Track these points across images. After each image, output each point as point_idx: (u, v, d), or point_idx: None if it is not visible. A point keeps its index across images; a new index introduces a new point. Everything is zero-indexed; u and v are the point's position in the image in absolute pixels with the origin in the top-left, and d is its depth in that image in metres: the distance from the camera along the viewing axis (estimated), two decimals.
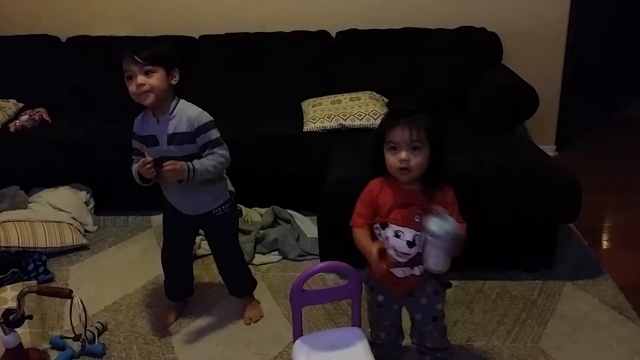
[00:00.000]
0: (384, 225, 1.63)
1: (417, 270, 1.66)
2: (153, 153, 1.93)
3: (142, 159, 1.88)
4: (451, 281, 1.81)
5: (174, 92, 1.97)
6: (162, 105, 1.93)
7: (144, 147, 1.94)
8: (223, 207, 2.09)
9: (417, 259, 1.63)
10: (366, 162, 1.70)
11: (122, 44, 3.47)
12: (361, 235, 1.65)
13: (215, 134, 1.95)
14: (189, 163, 1.90)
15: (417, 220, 1.59)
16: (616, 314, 2.21)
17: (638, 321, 2.16)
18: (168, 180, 1.93)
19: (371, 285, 1.78)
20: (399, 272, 1.67)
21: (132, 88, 1.87)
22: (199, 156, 1.96)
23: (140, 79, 1.85)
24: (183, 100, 1.98)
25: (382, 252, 1.57)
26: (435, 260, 1.56)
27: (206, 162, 1.93)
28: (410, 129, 1.54)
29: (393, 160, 1.57)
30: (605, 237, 2.91)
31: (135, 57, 1.84)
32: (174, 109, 1.94)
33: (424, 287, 1.72)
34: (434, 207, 1.53)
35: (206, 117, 1.95)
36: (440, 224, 1.50)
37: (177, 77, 1.94)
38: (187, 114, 1.93)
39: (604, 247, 2.79)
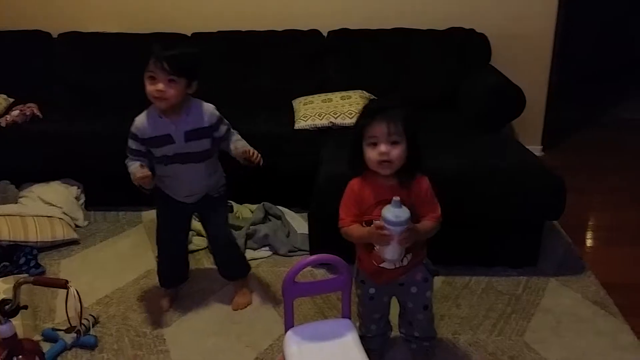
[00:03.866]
0: (369, 223, 1.67)
1: (405, 261, 1.71)
2: (168, 151, 2.02)
3: (143, 173, 1.94)
4: (438, 276, 1.86)
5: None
6: (173, 107, 1.98)
7: (145, 164, 2.01)
8: (219, 190, 2.21)
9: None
10: (347, 161, 1.72)
11: (114, 40, 3.54)
12: (354, 228, 1.69)
13: (226, 124, 2.11)
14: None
15: None
16: (598, 309, 2.27)
17: (619, 316, 2.22)
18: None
19: (362, 279, 1.82)
20: (388, 265, 1.71)
21: (150, 89, 1.92)
22: (211, 151, 2.09)
23: (162, 85, 1.90)
24: (193, 98, 2.05)
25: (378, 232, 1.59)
26: (389, 250, 1.60)
27: (244, 140, 2.11)
28: (387, 122, 1.58)
29: (373, 154, 1.61)
30: (588, 235, 2.98)
31: (164, 63, 1.88)
32: (188, 108, 2.01)
33: (414, 275, 1.77)
34: (393, 198, 1.57)
35: (218, 112, 2.08)
36: (394, 212, 1.55)
37: (194, 88, 2.00)
38: (206, 110, 2.04)
39: (587, 245, 2.86)
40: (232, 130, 2.13)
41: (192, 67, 1.96)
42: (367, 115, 1.64)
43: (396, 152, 1.60)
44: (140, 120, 2.04)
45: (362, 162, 1.66)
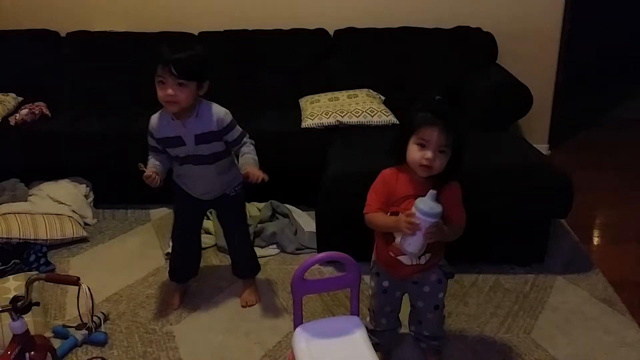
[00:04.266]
0: (394, 214, 1.67)
1: (422, 259, 1.72)
2: (180, 152, 2.05)
3: (148, 172, 1.97)
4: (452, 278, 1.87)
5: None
6: (185, 110, 1.99)
7: (141, 164, 2.00)
8: (236, 188, 2.21)
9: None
10: (387, 147, 1.72)
11: (122, 39, 3.56)
12: (379, 216, 1.69)
13: (239, 129, 2.09)
14: (253, 161, 2.04)
15: None
16: (605, 307, 2.27)
17: (626, 314, 2.22)
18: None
19: (377, 271, 1.84)
20: (406, 260, 1.72)
21: (161, 93, 1.93)
22: (224, 153, 2.10)
23: (171, 90, 1.91)
24: (204, 100, 2.05)
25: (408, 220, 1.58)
26: (412, 241, 1.61)
27: (252, 154, 2.07)
28: (443, 132, 1.57)
29: (418, 155, 1.61)
30: (595, 233, 2.98)
31: (172, 69, 1.88)
32: (198, 110, 2.02)
33: (429, 275, 1.78)
34: (430, 190, 1.57)
35: (229, 115, 2.06)
36: (429, 204, 1.57)
37: (206, 88, 2.00)
38: (215, 113, 2.02)
39: (594, 243, 2.86)
40: (247, 140, 2.10)
41: (201, 69, 1.96)
42: (426, 116, 1.60)
43: (439, 162, 1.60)
44: (154, 119, 2.07)
45: (403, 155, 1.65)
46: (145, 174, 1.96)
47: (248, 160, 2.05)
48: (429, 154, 1.59)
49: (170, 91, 1.91)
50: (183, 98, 1.93)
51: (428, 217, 1.56)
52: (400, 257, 1.72)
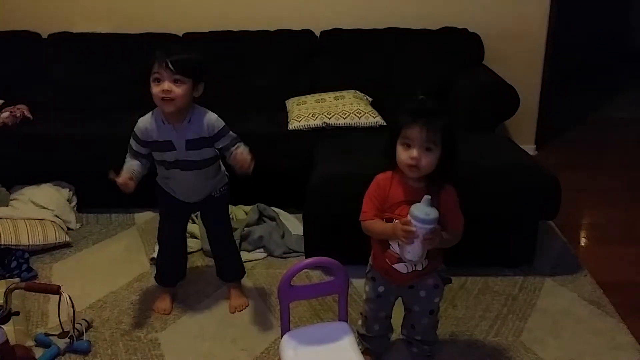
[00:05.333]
0: (389, 221, 1.66)
1: (419, 266, 1.70)
2: (169, 157, 2.02)
3: (123, 179, 1.92)
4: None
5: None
6: (179, 112, 1.96)
7: (112, 172, 1.93)
8: (221, 190, 2.19)
9: None
10: (379, 152, 1.71)
11: (105, 40, 3.51)
12: (376, 224, 1.67)
13: (231, 135, 2.05)
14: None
15: None
16: (594, 308, 2.27)
17: (615, 315, 2.22)
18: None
19: (373, 275, 1.81)
20: (402, 268, 1.70)
21: (157, 90, 1.90)
22: (213, 159, 2.08)
23: (168, 85, 1.88)
24: (198, 106, 2.02)
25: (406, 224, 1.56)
26: (411, 249, 1.59)
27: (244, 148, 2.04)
28: (426, 129, 1.56)
29: (404, 156, 1.60)
30: (583, 234, 2.99)
31: (169, 64, 1.86)
32: (192, 116, 1.99)
33: (425, 280, 1.76)
34: (425, 195, 1.56)
35: (221, 122, 2.03)
36: (424, 210, 1.54)
37: (200, 91, 1.98)
38: (207, 119, 2.00)
39: (582, 244, 2.86)
40: (239, 145, 2.06)
41: (197, 69, 1.94)
42: (408, 115, 1.61)
43: (427, 160, 1.58)
44: (144, 122, 2.02)
45: (394, 158, 1.64)
46: (118, 181, 1.92)
47: (240, 148, 2.01)
48: (414, 152, 1.58)
49: (166, 85, 1.88)
50: (179, 94, 1.89)
51: (424, 224, 1.54)
52: (395, 266, 1.70)
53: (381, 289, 1.80)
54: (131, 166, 2.02)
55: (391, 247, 1.68)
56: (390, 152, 1.64)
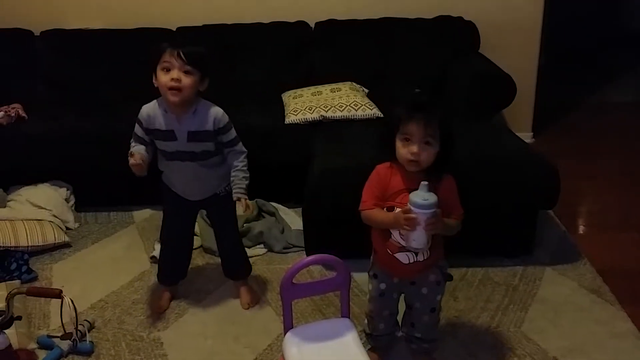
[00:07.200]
0: (390, 209, 1.66)
1: (420, 257, 1.70)
2: (167, 148, 2.02)
3: (135, 161, 1.92)
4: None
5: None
6: (182, 104, 1.95)
7: (132, 152, 1.96)
8: (226, 188, 2.16)
9: None
10: (376, 145, 1.73)
11: (98, 36, 3.47)
12: (376, 212, 1.68)
13: (234, 132, 2.06)
14: (243, 189, 2.05)
15: None
16: (595, 297, 2.28)
17: (616, 304, 2.23)
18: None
19: (375, 272, 1.82)
20: (403, 258, 1.70)
21: (165, 78, 1.90)
22: (214, 152, 2.06)
23: (177, 74, 1.88)
24: (203, 99, 2.02)
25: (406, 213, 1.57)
26: (416, 236, 1.59)
27: (242, 171, 2.07)
28: (425, 124, 1.57)
29: (404, 151, 1.61)
30: (581, 222, 3.00)
31: (181, 53, 1.87)
32: (196, 108, 1.99)
33: (427, 276, 1.77)
34: (422, 182, 1.56)
35: (227, 117, 2.04)
36: (422, 195, 1.55)
37: (205, 85, 1.98)
38: (212, 113, 2.00)
39: (581, 232, 2.87)
40: (240, 147, 2.09)
41: (205, 62, 1.95)
42: (406, 110, 1.61)
43: (426, 154, 1.60)
44: (147, 109, 2.02)
45: (392, 151, 1.64)
46: (132, 162, 1.92)
47: (239, 184, 2.05)
48: (414, 148, 1.59)
49: (175, 73, 1.88)
50: (187, 85, 1.89)
51: (424, 209, 1.55)
52: (397, 255, 1.70)
53: (383, 286, 1.80)
54: (140, 149, 2.02)
55: (392, 236, 1.68)
56: (389, 145, 1.65)
